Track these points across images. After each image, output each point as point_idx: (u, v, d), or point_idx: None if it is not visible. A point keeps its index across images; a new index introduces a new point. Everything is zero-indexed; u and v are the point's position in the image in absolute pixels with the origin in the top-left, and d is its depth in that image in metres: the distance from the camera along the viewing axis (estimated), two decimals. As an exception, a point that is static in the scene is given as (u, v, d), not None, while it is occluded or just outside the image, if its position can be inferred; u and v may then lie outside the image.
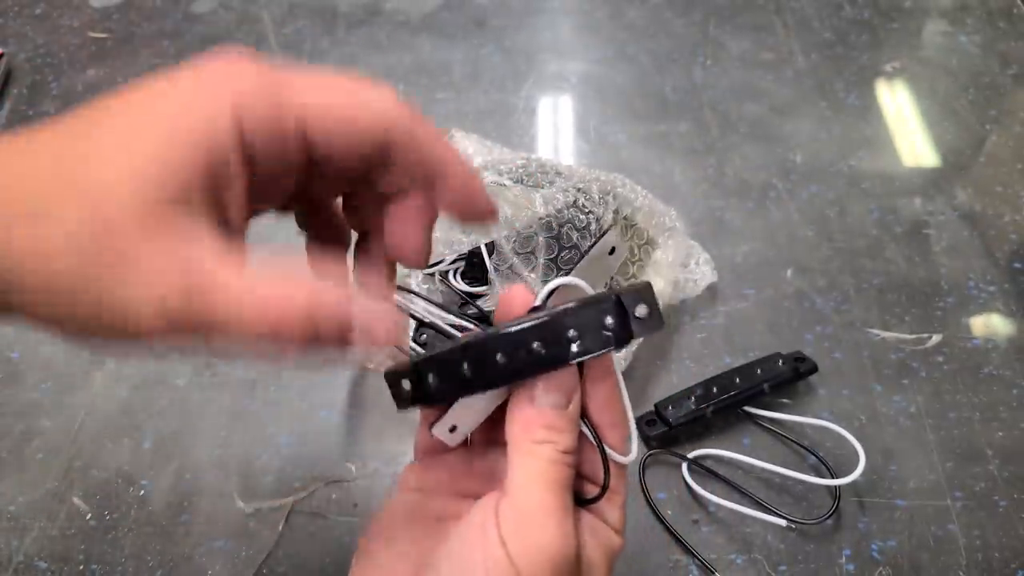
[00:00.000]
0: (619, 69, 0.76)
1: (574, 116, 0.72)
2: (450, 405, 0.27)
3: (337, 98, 0.21)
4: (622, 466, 0.28)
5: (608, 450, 0.27)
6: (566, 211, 0.49)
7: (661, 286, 0.51)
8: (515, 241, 0.49)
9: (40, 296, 0.20)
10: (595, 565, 0.26)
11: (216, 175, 0.20)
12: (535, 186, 0.54)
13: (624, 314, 0.25)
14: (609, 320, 0.25)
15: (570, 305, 0.25)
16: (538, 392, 0.26)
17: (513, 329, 0.25)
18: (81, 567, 0.44)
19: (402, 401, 0.27)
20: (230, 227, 0.21)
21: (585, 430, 0.27)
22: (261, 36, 0.81)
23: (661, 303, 0.51)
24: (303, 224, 0.28)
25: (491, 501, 0.25)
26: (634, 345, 0.49)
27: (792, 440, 0.48)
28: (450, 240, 0.50)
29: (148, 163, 0.19)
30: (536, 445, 0.25)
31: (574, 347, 0.25)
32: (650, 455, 0.48)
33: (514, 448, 0.26)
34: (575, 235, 0.49)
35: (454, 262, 0.54)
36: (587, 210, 0.50)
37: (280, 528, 0.45)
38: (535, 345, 0.24)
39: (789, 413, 0.49)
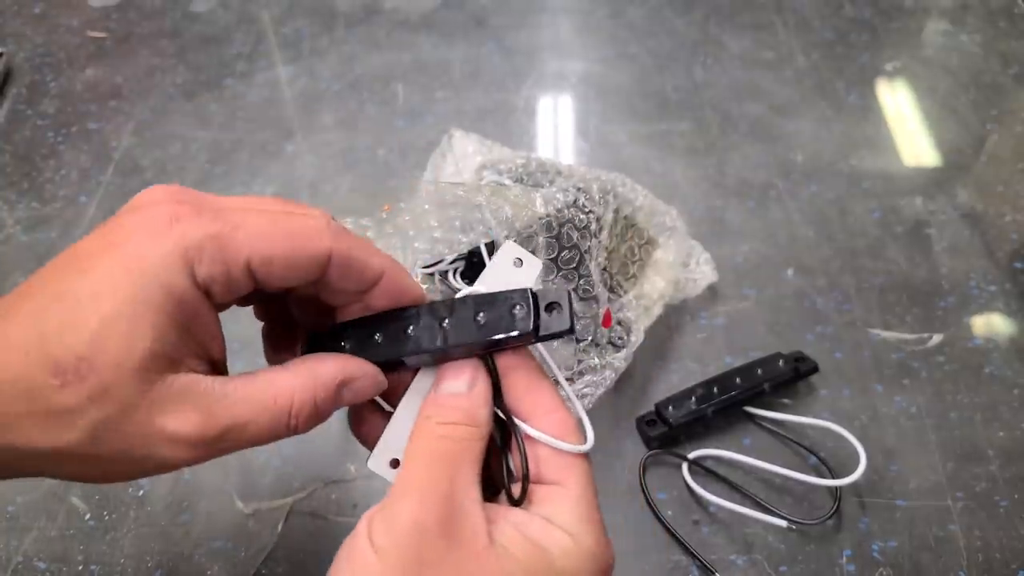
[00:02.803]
0: (619, 68, 0.76)
1: (574, 115, 0.72)
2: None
3: (277, 244, 0.23)
4: (570, 456, 0.25)
5: (535, 433, 0.25)
6: (566, 211, 0.49)
7: (662, 286, 0.51)
8: (515, 241, 0.49)
9: (58, 468, 0.23)
10: (515, 558, 0.23)
11: (185, 323, 0.23)
12: (535, 185, 0.53)
13: (536, 310, 0.24)
14: (519, 310, 0.24)
15: (483, 292, 0.26)
16: (438, 383, 0.26)
17: (426, 305, 0.25)
18: (80, 567, 0.44)
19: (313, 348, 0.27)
20: (211, 351, 0.24)
21: (499, 413, 0.26)
22: (260, 35, 0.81)
23: (662, 303, 0.51)
24: (260, 315, 0.30)
25: None
26: (634, 347, 0.49)
27: (793, 440, 0.48)
28: (450, 240, 0.50)
29: (126, 328, 0.21)
30: (420, 422, 0.25)
31: (479, 333, 0.25)
32: (650, 455, 0.47)
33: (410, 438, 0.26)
34: (575, 235, 0.49)
35: (453, 262, 0.54)
36: (587, 210, 0.50)
37: (279, 528, 0.45)
38: (444, 323, 0.25)
39: (790, 413, 0.49)
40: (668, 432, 0.47)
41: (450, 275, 0.54)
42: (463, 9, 0.83)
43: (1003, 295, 0.56)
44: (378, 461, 0.26)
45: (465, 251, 0.52)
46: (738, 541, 0.44)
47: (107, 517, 0.46)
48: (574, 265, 0.49)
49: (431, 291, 0.53)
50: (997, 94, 0.72)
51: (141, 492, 0.47)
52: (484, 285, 0.26)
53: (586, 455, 0.26)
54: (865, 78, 0.74)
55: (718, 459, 0.47)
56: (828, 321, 0.54)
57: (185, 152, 0.69)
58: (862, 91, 0.73)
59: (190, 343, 0.23)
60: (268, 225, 0.23)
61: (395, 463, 0.26)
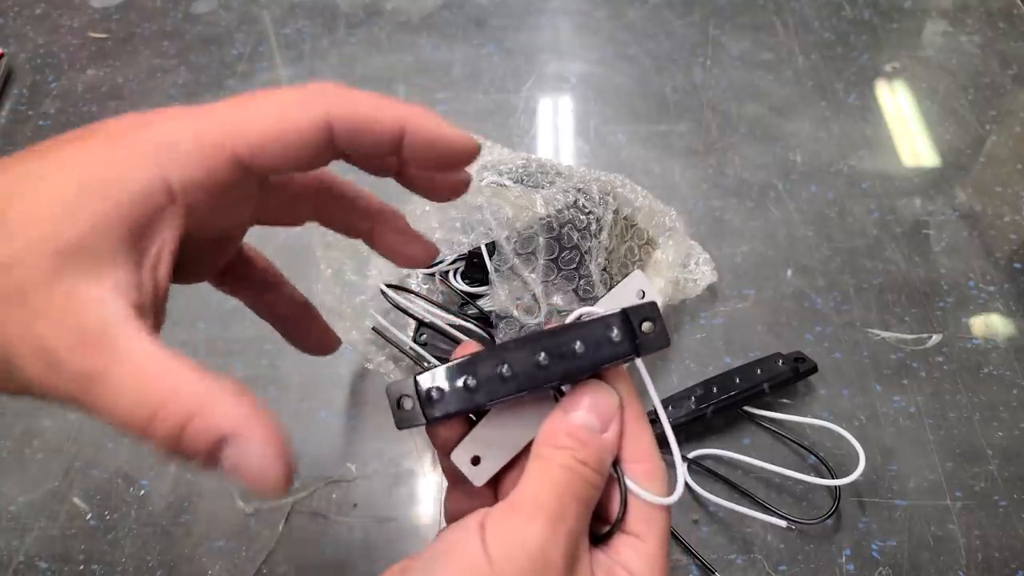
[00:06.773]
0: (619, 69, 0.76)
1: (574, 116, 0.72)
2: (469, 429, 0.26)
3: (261, 123, 0.20)
4: (653, 509, 0.25)
5: (632, 486, 0.25)
6: (566, 211, 0.49)
7: (661, 286, 0.51)
8: (516, 242, 0.49)
9: None
10: None
11: (135, 228, 0.19)
12: (535, 187, 0.54)
13: (631, 329, 0.25)
14: (615, 334, 0.25)
15: (575, 321, 0.25)
16: (575, 408, 0.25)
17: (516, 342, 0.25)
18: (81, 567, 0.44)
19: (403, 420, 0.25)
20: (151, 286, 0.20)
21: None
22: (261, 36, 0.81)
23: (661, 303, 0.52)
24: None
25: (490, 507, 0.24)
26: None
27: (792, 440, 0.48)
28: (450, 240, 0.50)
29: (59, 210, 0.18)
30: (553, 450, 0.24)
31: (581, 361, 0.24)
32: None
33: (532, 455, 0.24)
34: (575, 236, 0.49)
35: (454, 262, 0.54)
36: (587, 210, 0.50)
37: (280, 528, 0.45)
38: (540, 358, 0.24)
39: (789, 413, 0.49)
40: (668, 432, 0.48)
41: (451, 275, 0.54)
42: (463, 10, 0.83)
43: (1002, 295, 0.56)
44: (461, 455, 0.26)
45: (466, 251, 0.52)
46: (737, 541, 0.44)
47: (108, 517, 0.46)
48: (574, 266, 0.49)
49: (431, 292, 0.54)
50: (996, 95, 0.72)
51: (142, 492, 0.47)
52: (603, 309, 0.26)
53: (668, 507, 0.26)
54: (864, 79, 0.74)
55: (718, 459, 0.48)
56: (827, 321, 0.55)
57: (186, 153, 0.69)
58: (861, 92, 0.73)
59: (131, 255, 0.19)
60: (252, 107, 0.21)
61: (476, 460, 0.26)
